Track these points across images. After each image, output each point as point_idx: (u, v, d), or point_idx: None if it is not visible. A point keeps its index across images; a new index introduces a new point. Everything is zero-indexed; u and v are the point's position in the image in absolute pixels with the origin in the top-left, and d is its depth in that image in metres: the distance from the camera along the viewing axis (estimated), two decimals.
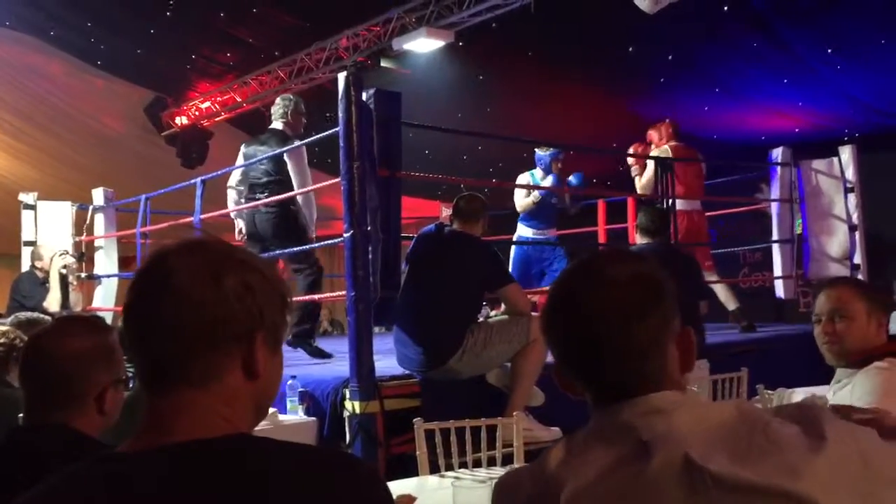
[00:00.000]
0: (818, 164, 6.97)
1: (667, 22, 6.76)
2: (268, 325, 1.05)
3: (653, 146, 6.88)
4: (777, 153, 7.02)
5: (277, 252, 5.12)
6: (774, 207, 7.03)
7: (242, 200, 5.46)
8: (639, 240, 4.83)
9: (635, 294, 1.14)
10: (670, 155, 6.58)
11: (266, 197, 5.24)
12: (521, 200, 6.68)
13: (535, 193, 6.58)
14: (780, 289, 6.96)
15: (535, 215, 6.74)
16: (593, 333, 1.13)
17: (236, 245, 1.12)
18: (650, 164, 6.56)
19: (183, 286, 1.00)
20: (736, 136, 10.08)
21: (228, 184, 5.59)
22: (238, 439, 1.01)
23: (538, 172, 6.75)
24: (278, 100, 5.60)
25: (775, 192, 7.01)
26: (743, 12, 7.26)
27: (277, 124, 5.45)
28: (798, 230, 6.98)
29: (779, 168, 6.96)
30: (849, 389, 2.39)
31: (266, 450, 1.01)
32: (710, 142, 10.29)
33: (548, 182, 6.60)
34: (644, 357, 1.13)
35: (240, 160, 5.54)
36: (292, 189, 5.19)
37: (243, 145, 5.63)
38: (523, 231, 6.84)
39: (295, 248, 5.05)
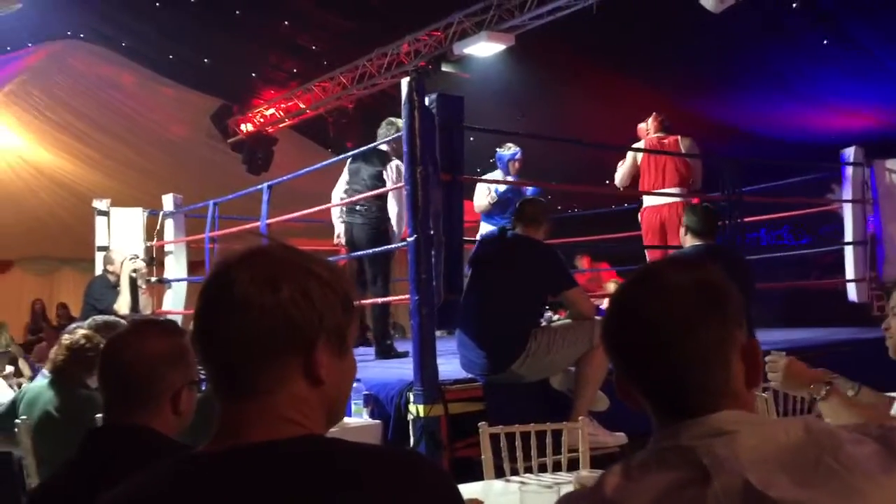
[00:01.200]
0: (892, 163, 6.74)
1: (733, 21, 6.64)
2: (329, 331, 1.06)
3: (642, 142, 6.77)
4: (849, 153, 6.81)
5: (342, 256, 5.26)
6: (847, 208, 6.82)
7: (342, 209, 5.80)
8: (688, 241, 4.72)
9: (696, 301, 1.10)
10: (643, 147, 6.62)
11: (364, 209, 5.61)
12: (479, 201, 6.62)
13: (493, 194, 6.51)
14: (852, 292, 6.75)
15: (499, 214, 6.59)
16: (652, 341, 1.10)
17: (301, 249, 1.12)
18: (627, 157, 6.63)
19: (242, 295, 1.02)
20: (806, 136, 9.84)
21: (333, 193, 5.94)
22: (311, 440, 1.03)
23: (498, 173, 6.64)
24: (384, 124, 5.80)
25: (847, 192, 6.80)
26: (812, 9, 7.09)
27: (382, 146, 5.61)
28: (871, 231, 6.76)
29: (851, 168, 6.76)
30: None
31: (341, 450, 1.02)
32: (778, 142, 10.07)
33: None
34: (705, 367, 1.09)
35: (344, 174, 5.85)
36: (386, 204, 5.54)
37: (349, 160, 5.90)
38: (486, 228, 6.67)
39: (374, 250, 5.36)
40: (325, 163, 6.33)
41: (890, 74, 8.35)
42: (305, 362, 1.04)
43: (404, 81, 4.08)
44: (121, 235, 7.30)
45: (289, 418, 1.04)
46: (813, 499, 0.97)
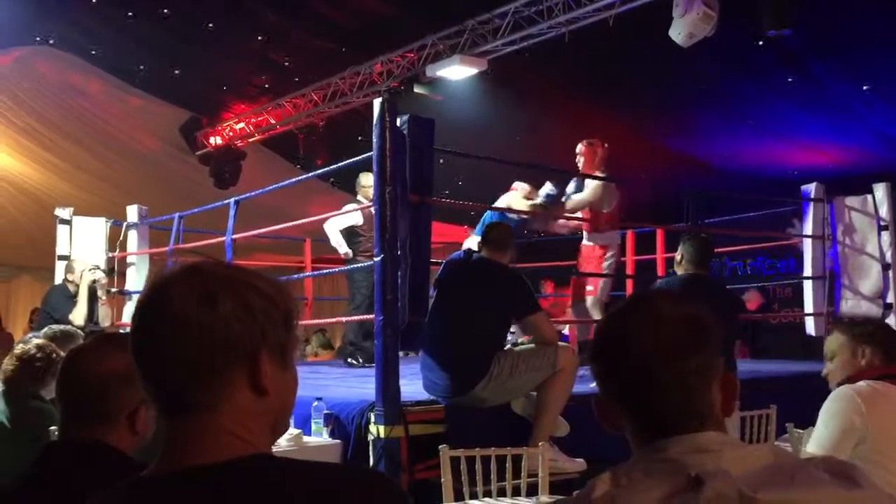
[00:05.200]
0: (851, 200, 6.88)
1: (701, 56, 6.77)
2: (271, 343, 1.05)
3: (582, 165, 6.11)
4: (810, 189, 6.95)
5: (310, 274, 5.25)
6: (806, 243, 6.94)
7: None
8: (681, 271, 4.73)
9: (685, 332, 1.18)
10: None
11: None
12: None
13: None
14: (810, 326, 6.86)
15: None
16: (643, 368, 1.17)
17: (240, 266, 1.13)
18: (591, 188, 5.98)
19: (181, 313, 1.02)
20: (768, 171, 10.04)
21: None
22: (259, 459, 1.02)
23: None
24: None
25: (807, 227, 6.93)
26: (778, 48, 7.25)
27: None
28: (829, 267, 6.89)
29: (811, 204, 6.89)
30: None
31: (290, 469, 1.02)
32: (741, 176, 10.26)
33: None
34: (690, 394, 1.17)
35: None
36: None
37: None
38: None
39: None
40: (294, 180, 6.32)
41: (851, 113, 8.57)
42: (250, 373, 1.04)
43: (376, 102, 4.10)
44: (83, 245, 7.19)
45: (235, 434, 1.03)
46: (797, 499, 1.05)
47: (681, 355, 1.17)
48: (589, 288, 6.00)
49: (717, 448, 1.12)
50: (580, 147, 6.11)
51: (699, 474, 1.08)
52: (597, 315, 5.89)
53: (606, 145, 6.14)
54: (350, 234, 6.55)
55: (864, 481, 1.09)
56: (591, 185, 5.96)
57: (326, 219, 6.37)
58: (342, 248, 6.58)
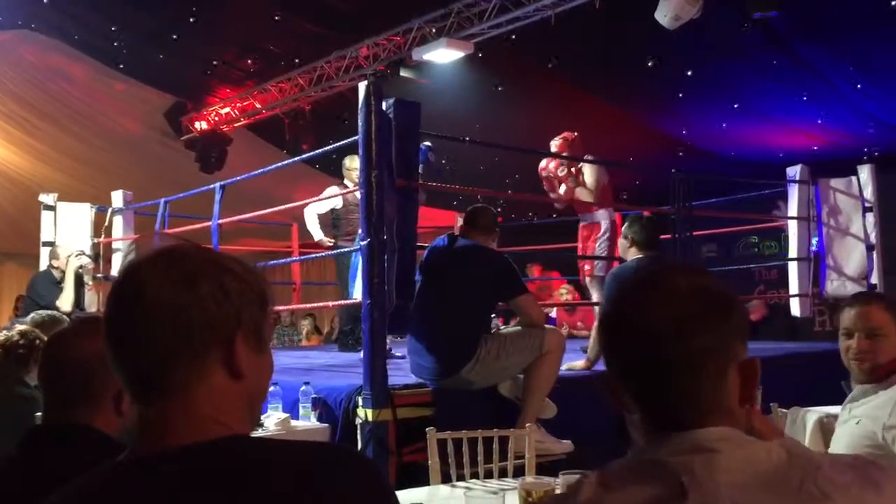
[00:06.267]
0: (837, 182, 6.92)
1: (687, 38, 6.76)
2: (247, 325, 1.05)
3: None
4: (795, 171, 6.98)
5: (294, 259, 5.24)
6: (792, 225, 6.99)
7: None
8: (631, 254, 4.67)
9: (695, 307, 1.07)
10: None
11: None
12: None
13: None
14: (795, 307, 6.91)
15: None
16: (645, 344, 1.07)
17: (209, 249, 1.12)
18: (590, 170, 6.10)
19: (158, 295, 1.01)
20: (754, 153, 10.07)
21: None
22: (236, 440, 1.02)
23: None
24: None
25: (793, 209, 6.97)
26: (764, 30, 7.25)
27: None
28: (814, 248, 6.93)
29: (797, 186, 6.93)
30: (875, 404, 2.38)
31: (265, 449, 1.02)
32: (727, 158, 10.28)
33: None
34: (699, 375, 1.06)
35: None
36: None
37: None
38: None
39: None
40: (279, 164, 6.29)
41: (837, 95, 8.59)
42: (226, 356, 1.03)
43: (362, 85, 4.07)
44: (67, 231, 7.15)
45: (211, 417, 1.02)
46: None
47: (687, 333, 1.05)
48: (587, 268, 6.11)
49: (716, 447, 1.01)
50: (558, 143, 6.12)
51: (685, 483, 0.98)
52: (594, 291, 6.07)
53: (576, 133, 6.16)
54: (332, 218, 6.53)
55: (888, 485, 1.01)
56: (589, 172, 6.09)
57: (309, 204, 6.39)
58: (317, 235, 6.53)
